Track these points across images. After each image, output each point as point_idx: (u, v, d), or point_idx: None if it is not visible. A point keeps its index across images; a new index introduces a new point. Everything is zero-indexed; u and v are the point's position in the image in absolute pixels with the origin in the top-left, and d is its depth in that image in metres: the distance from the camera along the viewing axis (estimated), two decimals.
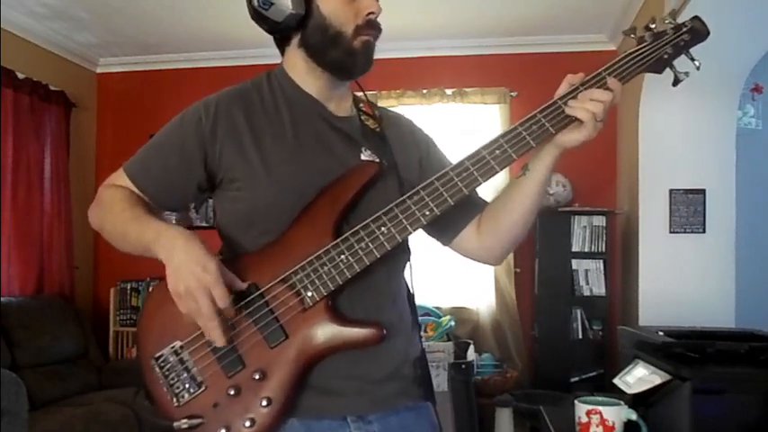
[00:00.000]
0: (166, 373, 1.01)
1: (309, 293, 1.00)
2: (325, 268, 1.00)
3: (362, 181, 1.05)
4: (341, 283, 1.01)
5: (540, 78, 4.22)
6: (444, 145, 1.27)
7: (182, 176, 1.09)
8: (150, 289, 4.29)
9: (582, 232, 3.91)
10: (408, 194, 1.03)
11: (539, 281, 4.02)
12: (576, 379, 3.81)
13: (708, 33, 1.05)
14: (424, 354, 1.19)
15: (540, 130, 1.02)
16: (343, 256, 1.01)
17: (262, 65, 1.18)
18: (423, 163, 1.20)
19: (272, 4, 1.07)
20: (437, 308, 4.09)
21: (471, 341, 3.86)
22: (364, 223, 1.02)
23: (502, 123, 4.30)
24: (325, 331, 1.00)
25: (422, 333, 3.57)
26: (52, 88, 4.21)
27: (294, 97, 1.13)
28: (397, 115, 1.26)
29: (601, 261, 3.90)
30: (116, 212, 1.07)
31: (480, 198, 1.19)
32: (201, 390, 1.00)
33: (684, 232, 3.45)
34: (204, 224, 4.56)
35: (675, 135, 3.47)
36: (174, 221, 4.37)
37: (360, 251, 1.01)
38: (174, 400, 1.01)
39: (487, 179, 1.04)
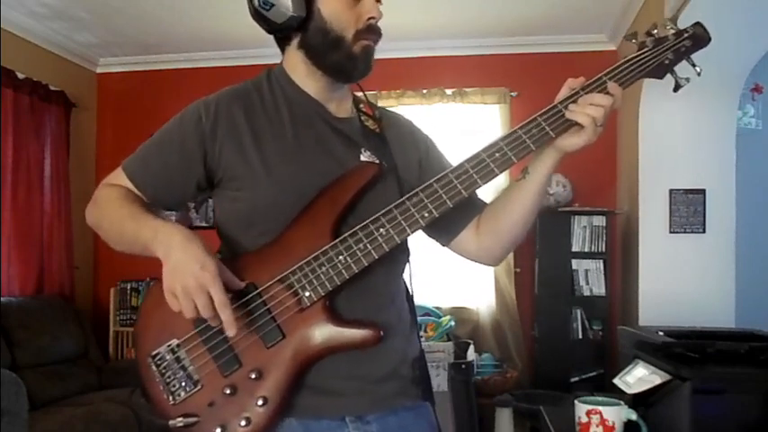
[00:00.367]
0: (163, 371, 1.01)
1: (307, 294, 1.00)
2: (324, 269, 1.00)
3: (362, 182, 1.05)
4: (339, 283, 1.00)
5: (540, 78, 4.24)
6: (444, 145, 1.27)
7: (181, 175, 1.09)
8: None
9: (582, 232, 3.91)
10: (407, 196, 1.03)
11: (539, 281, 4.02)
12: (576, 379, 3.81)
13: (709, 39, 1.05)
14: (423, 354, 1.19)
15: (541, 133, 1.02)
16: (341, 257, 1.01)
17: (262, 65, 1.18)
18: (422, 164, 1.20)
19: (273, 5, 1.06)
20: (437, 308, 4.09)
21: (471, 341, 3.85)
22: (363, 224, 1.02)
23: (502, 123, 4.30)
24: (323, 332, 1.00)
25: (422, 333, 3.59)
26: (52, 88, 4.21)
27: (294, 97, 1.13)
28: (397, 116, 1.26)
29: (601, 261, 3.89)
30: (112, 210, 1.07)
31: (479, 199, 1.19)
32: (197, 388, 1.00)
33: (684, 232, 3.45)
34: (204, 224, 4.56)
35: (675, 135, 3.47)
36: (173, 221, 4.37)
37: (358, 252, 1.01)
38: (170, 398, 1.01)
39: (487, 182, 1.04)
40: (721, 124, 3.44)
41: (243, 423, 0.98)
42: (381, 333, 1.01)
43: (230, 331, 0.94)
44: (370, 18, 1.07)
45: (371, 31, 1.08)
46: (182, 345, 1.02)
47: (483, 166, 1.03)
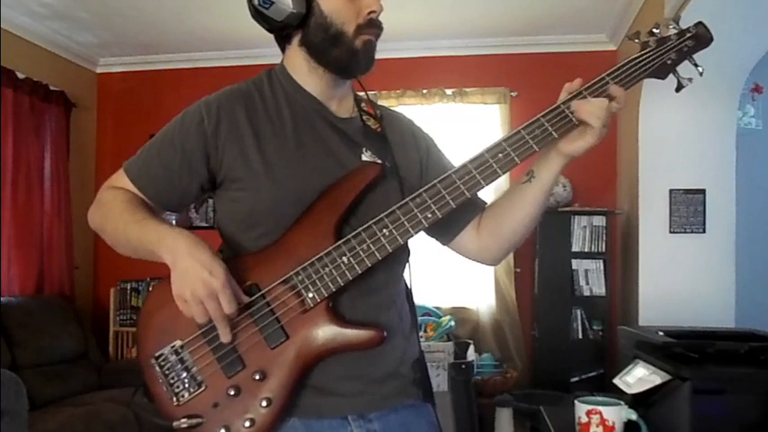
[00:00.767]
0: (166, 372, 1.01)
1: (310, 294, 1.00)
2: (327, 269, 1.00)
3: (364, 183, 1.05)
4: (342, 284, 1.00)
5: (540, 78, 4.25)
6: (444, 145, 1.27)
7: (183, 177, 1.09)
8: (150, 289, 4.29)
9: (582, 232, 3.91)
10: (411, 197, 1.03)
11: (539, 281, 4.02)
12: (576, 379, 3.81)
13: (711, 39, 1.04)
14: (423, 355, 1.19)
15: (544, 134, 1.02)
16: (344, 258, 1.00)
17: (262, 65, 1.18)
18: (423, 163, 1.20)
19: (273, 3, 1.06)
20: (437, 308, 4.09)
21: (471, 341, 3.86)
22: (366, 225, 1.01)
23: (502, 123, 4.30)
24: (326, 332, 1.00)
25: (422, 333, 3.59)
26: (52, 88, 4.21)
27: (295, 97, 1.13)
28: (398, 115, 1.26)
29: (601, 261, 3.90)
30: (117, 215, 1.06)
31: (480, 199, 1.19)
32: (201, 389, 1.00)
33: (684, 232, 3.45)
34: (204, 224, 4.57)
35: (675, 135, 3.47)
36: (173, 222, 4.38)
37: (361, 253, 1.01)
38: (174, 399, 1.01)
39: (490, 183, 1.04)
40: (721, 124, 3.44)
41: (247, 424, 0.98)
42: (384, 334, 1.01)
43: (225, 338, 0.97)
44: (370, 12, 1.06)
45: (372, 26, 1.07)
46: (185, 346, 1.01)
47: (486, 167, 1.03)
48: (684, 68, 1.07)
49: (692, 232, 3.44)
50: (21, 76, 3.95)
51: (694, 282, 3.38)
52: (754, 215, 3.83)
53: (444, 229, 1.18)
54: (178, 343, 1.02)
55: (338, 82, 1.13)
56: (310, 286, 1.00)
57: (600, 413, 1.38)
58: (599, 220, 3.90)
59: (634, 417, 1.38)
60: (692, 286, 3.37)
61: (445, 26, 4.15)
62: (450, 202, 1.03)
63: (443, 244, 1.22)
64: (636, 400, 1.53)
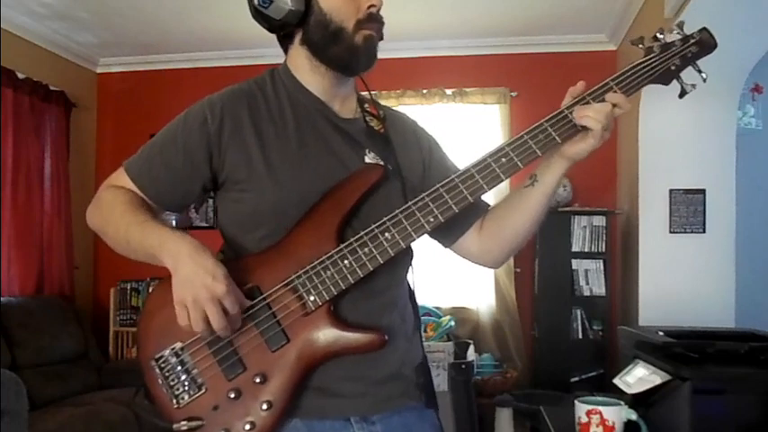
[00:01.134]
0: (167, 374, 1.01)
1: (312, 298, 1.00)
2: (329, 273, 1.00)
3: (366, 185, 1.05)
4: (343, 288, 1.00)
5: (540, 78, 4.26)
6: (445, 145, 1.27)
7: (186, 177, 1.08)
8: (150, 289, 4.29)
9: (582, 232, 3.91)
10: (413, 201, 1.03)
11: (539, 281, 4.02)
12: (576, 379, 3.81)
13: (715, 45, 1.04)
14: (426, 360, 1.18)
15: (547, 139, 1.02)
16: (346, 261, 1.00)
17: (262, 65, 1.18)
18: (425, 164, 1.19)
19: (272, 1, 1.06)
20: (437, 308, 4.09)
21: (471, 341, 3.85)
22: (369, 229, 1.01)
23: (502, 123, 4.30)
24: (327, 336, 1.00)
25: (422, 333, 3.58)
26: (52, 88, 4.21)
27: (298, 98, 1.12)
28: (401, 115, 1.26)
29: (601, 261, 3.90)
30: (118, 216, 1.05)
31: (483, 201, 1.18)
32: (202, 392, 1.00)
33: (684, 232, 3.45)
34: (204, 224, 4.56)
35: (675, 135, 3.47)
36: (173, 222, 4.38)
37: (363, 257, 1.00)
38: (174, 401, 1.00)
39: (492, 187, 1.04)
40: (721, 124, 3.44)
41: (247, 427, 0.98)
42: (386, 337, 1.01)
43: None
44: (370, 6, 1.05)
45: (372, 20, 1.06)
46: (186, 348, 1.01)
47: (489, 171, 1.03)
48: (688, 74, 1.07)
49: (692, 232, 3.44)
50: (21, 76, 3.95)
51: (694, 282, 3.38)
52: (754, 215, 3.83)
53: (447, 232, 1.17)
54: (179, 345, 1.01)
55: (341, 81, 1.12)
56: (312, 289, 1.00)
57: (600, 413, 1.38)
58: (599, 220, 3.90)
59: (634, 417, 1.38)
60: (692, 286, 3.37)
61: (445, 26, 4.15)
62: (453, 206, 1.02)
63: (445, 246, 1.22)
64: (636, 400, 1.53)
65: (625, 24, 3.91)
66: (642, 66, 1.05)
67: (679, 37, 1.05)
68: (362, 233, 1.01)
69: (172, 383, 1.01)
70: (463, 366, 3.40)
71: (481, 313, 4.29)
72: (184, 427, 0.99)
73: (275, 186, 1.04)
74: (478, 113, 4.36)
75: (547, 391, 3.61)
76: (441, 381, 3.37)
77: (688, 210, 3.44)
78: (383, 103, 1.22)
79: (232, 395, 0.99)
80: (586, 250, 3.90)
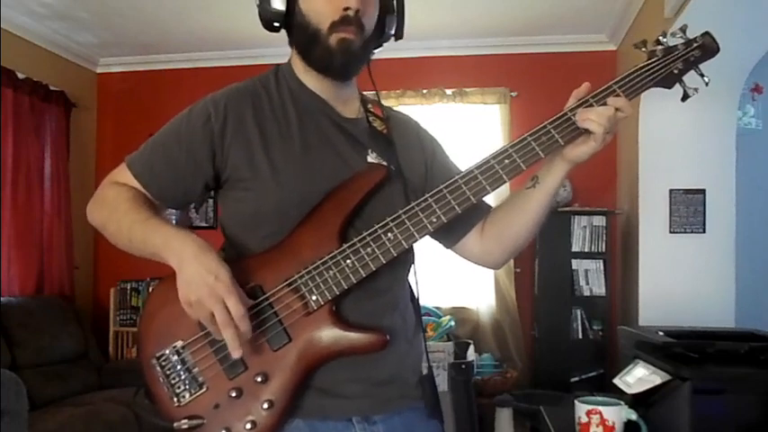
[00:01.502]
0: (167, 372, 1.01)
1: (314, 297, 1.00)
2: (331, 273, 1.00)
3: (369, 186, 1.05)
4: (346, 287, 1.00)
5: (540, 78, 4.26)
6: (445, 146, 1.27)
7: (188, 175, 1.08)
8: (150, 289, 4.29)
9: (582, 232, 3.91)
10: (416, 202, 1.03)
11: (539, 281, 4.02)
12: (576, 379, 3.81)
13: (718, 50, 1.04)
14: (432, 372, 1.18)
15: (550, 141, 1.02)
16: (348, 261, 1.00)
17: (262, 65, 1.18)
18: (427, 166, 1.19)
19: (262, 2, 1.09)
20: (437, 308, 4.09)
21: (471, 341, 3.85)
22: (371, 229, 1.01)
23: (502, 123, 4.30)
24: (329, 336, 1.00)
25: (424, 335, 3.57)
26: (52, 88, 4.21)
27: (301, 97, 1.12)
28: (404, 116, 1.26)
29: (601, 261, 3.90)
30: (121, 213, 1.05)
31: (485, 203, 1.18)
32: (202, 390, 1.00)
33: (684, 232, 3.45)
34: (204, 224, 4.57)
35: (675, 135, 3.47)
36: (174, 222, 4.37)
37: (366, 256, 1.00)
38: (175, 399, 1.00)
39: (495, 188, 1.04)
40: (721, 124, 3.44)
41: (248, 426, 0.98)
42: (387, 338, 1.01)
43: (236, 351, 0.94)
44: (345, 9, 1.04)
45: (346, 22, 1.04)
46: (187, 347, 1.01)
47: (492, 172, 1.03)
48: (690, 78, 1.07)
49: (692, 232, 3.44)
50: (21, 76, 3.95)
51: (694, 282, 3.38)
52: (754, 215, 3.83)
53: (449, 233, 1.18)
54: (179, 343, 1.01)
55: (337, 83, 1.12)
56: (314, 289, 1.00)
57: (600, 413, 1.38)
58: (599, 220, 3.90)
59: (634, 417, 1.38)
60: (692, 286, 3.37)
61: (445, 26, 4.15)
62: (456, 207, 1.03)
63: (447, 247, 1.22)
64: (636, 400, 1.53)
65: (625, 24, 3.91)
66: (645, 69, 1.05)
67: (682, 41, 1.05)
68: (365, 233, 1.01)
69: (172, 382, 1.01)
70: (463, 366, 3.40)
71: (481, 313, 4.29)
72: (185, 426, 0.99)
73: (278, 187, 1.04)
74: (478, 113, 4.36)
75: (547, 391, 3.61)
76: (441, 381, 3.37)
77: (688, 210, 3.45)
78: (383, 103, 1.22)
79: (233, 394, 0.99)
80: (586, 250, 3.90)
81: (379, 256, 1.01)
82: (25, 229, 3.96)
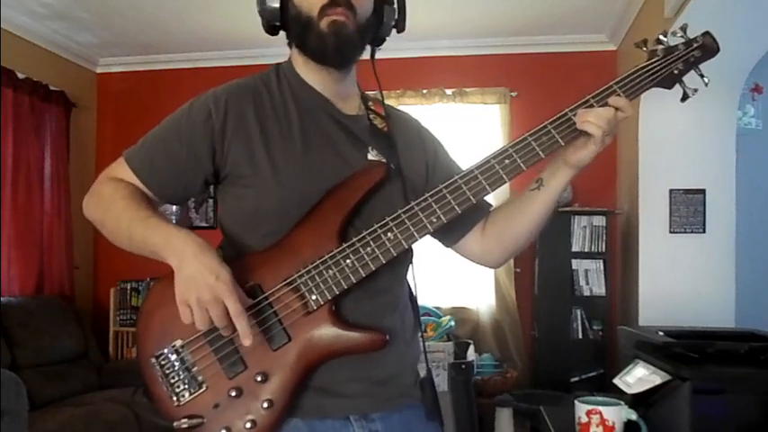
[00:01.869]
0: (167, 371, 1.01)
1: (314, 297, 1.00)
2: (331, 272, 1.00)
3: (369, 184, 1.05)
4: (345, 287, 1.00)
5: (540, 78, 4.26)
6: (445, 145, 1.27)
7: (188, 171, 1.07)
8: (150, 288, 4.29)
9: (582, 232, 3.91)
10: (416, 201, 1.03)
11: (539, 281, 4.02)
12: (576, 379, 3.81)
13: (718, 50, 1.04)
14: (431, 374, 1.18)
15: (550, 141, 1.02)
16: (348, 261, 1.00)
17: (262, 65, 1.18)
18: (429, 165, 1.19)
19: (260, 4, 1.10)
20: (437, 308, 4.09)
21: (471, 341, 3.85)
22: (371, 229, 1.01)
23: (502, 123, 4.30)
24: (328, 335, 1.00)
25: (422, 333, 3.58)
26: (52, 88, 4.21)
27: (301, 94, 1.12)
28: (406, 115, 1.25)
29: (601, 261, 3.90)
30: (120, 211, 1.04)
31: (485, 202, 1.18)
32: (202, 390, 1.00)
33: (684, 232, 3.45)
34: (204, 224, 4.56)
35: (675, 135, 3.47)
36: (174, 222, 4.37)
37: (366, 256, 1.00)
38: (175, 399, 1.00)
39: (495, 188, 1.04)
40: (721, 124, 3.44)
41: (248, 425, 0.98)
42: (387, 337, 1.01)
43: (246, 341, 0.94)
44: None
45: (334, 4, 1.03)
46: (186, 346, 1.01)
47: (492, 173, 1.03)
48: (689, 78, 1.07)
49: (692, 232, 3.44)
50: (21, 76, 3.95)
51: (694, 282, 3.38)
52: (754, 215, 3.83)
53: (449, 233, 1.18)
54: (179, 342, 1.01)
55: (337, 77, 1.12)
56: (314, 289, 1.00)
57: (600, 413, 1.38)
58: (599, 220, 3.90)
59: (634, 417, 1.38)
60: (692, 286, 3.37)
61: (445, 26, 4.15)
62: (456, 207, 1.03)
63: (447, 246, 1.22)
64: (636, 400, 1.53)
65: (625, 24, 3.91)
66: (645, 69, 1.05)
67: (682, 40, 1.05)
68: (365, 232, 1.01)
69: (172, 381, 1.00)
70: (463, 366, 3.40)
71: (481, 313, 4.29)
72: (185, 425, 0.99)
73: (278, 186, 1.03)
74: (478, 113, 4.36)
75: (547, 391, 3.61)
76: (441, 381, 3.37)
77: (688, 210, 3.44)
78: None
79: (233, 393, 0.99)
80: (586, 250, 3.90)
81: (379, 255, 1.01)
82: (25, 229, 3.95)
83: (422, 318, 3.62)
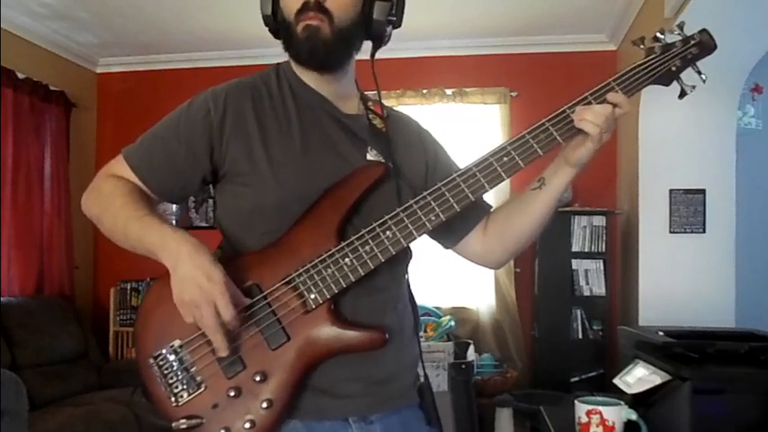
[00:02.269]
0: (165, 372, 1.01)
1: (312, 296, 1.00)
2: (329, 271, 1.00)
3: (368, 182, 1.05)
4: (344, 286, 1.00)
5: (540, 78, 4.26)
6: (445, 146, 1.27)
7: (187, 169, 1.07)
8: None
9: (582, 232, 3.91)
10: (415, 199, 1.03)
11: (539, 281, 4.02)
12: (576, 379, 3.81)
13: (715, 47, 1.05)
14: (428, 380, 1.18)
15: (548, 138, 1.02)
16: (347, 260, 1.00)
17: (262, 65, 1.18)
18: (429, 166, 1.19)
19: (260, 8, 1.11)
20: (437, 308, 4.09)
21: (471, 341, 3.86)
22: (370, 227, 1.01)
23: (502, 123, 4.30)
24: (327, 334, 0.99)
25: (422, 333, 3.59)
26: (52, 88, 4.21)
27: (301, 93, 1.12)
28: (406, 116, 1.25)
29: (601, 261, 3.90)
30: (117, 208, 1.04)
31: (485, 202, 1.18)
32: (201, 390, 1.00)
33: (684, 232, 3.45)
34: (204, 224, 4.56)
35: (675, 135, 3.47)
36: (173, 222, 4.38)
37: (364, 255, 1.00)
38: (173, 399, 1.00)
39: (494, 186, 1.04)
40: (721, 124, 3.44)
41: (247, 425, 0.97)
42: (386, 336, 1.00)
43: (222, 353, 0.96)
44: None
45: (306, 8, 1.03)
46: (185, 346, 1.01)
47: (491, 170, 1.03)
48: (687, 75, 1.07)
49: (692, 232, 3.44)
50: (21, 76, 3.95)
51: (694, 282, 3.38)
52: (754, 215, 3.83)
53: (450, 233, 1.18)
54: (177, 342, 1.01)
55: (329, 78, 1.12)
56: (312, 287, 1.00)
57: (600, 413, 1.38)
58: (599, 220, 3.90)
59: (634, 417, 1.38)
60: (692, 286, 3.37)
61: (445, 26, 4.15)
62: (455, 205, 1.03)
63: (447, 247, 1.22)
64: (636, 400, 1.53)
65: (625, 24, 3.91)
66: (643, 66, 1.05)
67: (680, 38, 1.06)
68: (364, 231, 1.01)
69: (170, 381, 1.00)
70: (463, 366, 3.40)
71: (481, 313, 4.29)
72: (183, 426, 0.98)
73: (277, 184, 1.03)
74: (478, 113, 4.36)
75: (547, 391, 3.61)
76: (441, 381, 3.37)
77: (688, 210, 3.44)
78: (383, 103, 1.22)
79: (232, 393, 0.98)
80: (586, 250, 3.90)
81: (378, 254, 1.00)
82: (25, 229, 3.95)
83: (422, 318, 3.65)
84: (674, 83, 1.07)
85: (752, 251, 3.69)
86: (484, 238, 1.19)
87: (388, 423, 1.08)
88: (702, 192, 3.45)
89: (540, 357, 4.01)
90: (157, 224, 1.01)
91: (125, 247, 1.07)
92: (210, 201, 4.56)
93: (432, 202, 1.02)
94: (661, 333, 1.69)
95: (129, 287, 4.44)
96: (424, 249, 1.23)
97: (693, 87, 1.06)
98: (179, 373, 1.00)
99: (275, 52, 1.17)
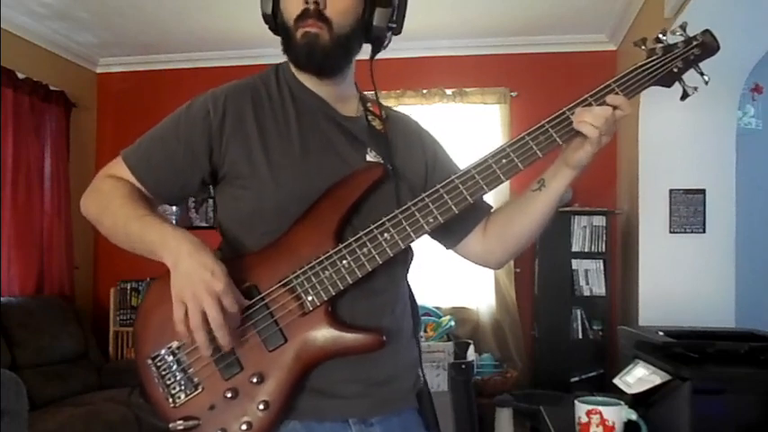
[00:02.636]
0: (163, 372, 1.00)
1: (310, 298, 0.99)
2: (327, 273, 1.00)
3: (367, 183, 1.05)
4: (342, 288, 1.00)
5: (540, 78, 4.26)
6: (445, 146, 1.27)
7: (186, 170, 1.07)
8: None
9: (582, 232, 3.91)
10: (413, 201, 1.02)
11: (539, 281, 4.02)
12: (576, 379, 3.81)
13: (718, 48, 1.04)
14: (427, 385, 1.18)
15: (548, 140, 1.02)
16: (345, 261, 1.00)
17: (262, 65, 1.18)
18: (428, 167, 1.19)
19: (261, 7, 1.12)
20: (437, 308, 4.09)
21: (471, 341, 3.86)
22: (368, 229, 1.01)
23: (502, 123, 4.30)
24: (325, 336, 0.99)
25: (422, 333, 3.59)
26: (52, 88, 4.21)
27: (300, 95, 1.12)
28: (405, 117, 1.25)
29: (601, 261, 3.90)
30: (116, 208, 1.04)
31: (485, 203, 1.18)
32: (198, 391, 1.00)
33: (684, 232, 3.45)
34: (204, 224, 4.56)
35: (675, 135, 3.47)
36: (174, 222, 4.37)
37: (362, 257, 1.00)
38: (170, 400, 1.00)
39: (493, 188, 1.04)
40: (721, 124, 3.44)
41: (244, 427, 0.97)
42: (384, 338, 1.00)
43: (226, 347, 0.95)
44: (305, 2, 1.03)
45: (306, 15, 1.04)
46: (182, 347, 1.00)
47: (489, 172, 1.03)
48: (689, 76, 1.06)
49: (692, 232, 3.44)
50: (21, 76, 3.95)
51: (694, 282, 3.38)
52: (754, 215, 3.83)
53: (451, 234, 1.18)
54: (175, 344, 1.01)
55: (328, 81, 1.12)
56: (310, 289, 0.99)
57: (600, 413, 1.38)
58: (599, 220, 3.90)
59: (634, 417, 1.38)
60: (692, 286, 3.37)
61: (445, 26, 4.15)
62: (453, 207, 1.02)
63: (448, 248, 1.22)
64: (636, 400, 1.52)
65: (625, 24, 3.90)
66: (644, 68, 1.04)
67: (682, 39, 1.05)
68: (361, 233, 1.01)
69: (168, 382, 1.00)
70: (463, 366, 3.40)
71: (481, 313, 4.29)
72: (180, 427, 0.98)
73: (276, 187, 1.03)
74: (478, 113, 4.36)
75: (547, 391, 3.61)
76: (441, 381, 3.37)
77: (688, 210, 3.44)
78: (382, 103, 1.21)
79: (229, 395, 0.98)
80: (586, 250, 3.90)
81: (376, 256, 1.00)
82: (25, 229, 3.96)
83: (422, 318, 3.64)
84: (676, 84, 1.07)
85: (752, 251, 3.69)
86: (484, 239, 1.18)
87: (388, 426, 1.07)
88: (702, 192, 3.45)
89: (540, 357, 4.01)
90: (158, 223, 1.00)
91: (124, 247, 1.06)
92: (210, 201, 4.56)
93: (430, 204, 1.02)
94: (661, 333, 1.69)
95: (129, 287, 4.44)
96: (425, 249, 1.23)
97: (696, 89, 1.05)
98: (176, 374, 1.00)
99: (275, 52, 1.17)
